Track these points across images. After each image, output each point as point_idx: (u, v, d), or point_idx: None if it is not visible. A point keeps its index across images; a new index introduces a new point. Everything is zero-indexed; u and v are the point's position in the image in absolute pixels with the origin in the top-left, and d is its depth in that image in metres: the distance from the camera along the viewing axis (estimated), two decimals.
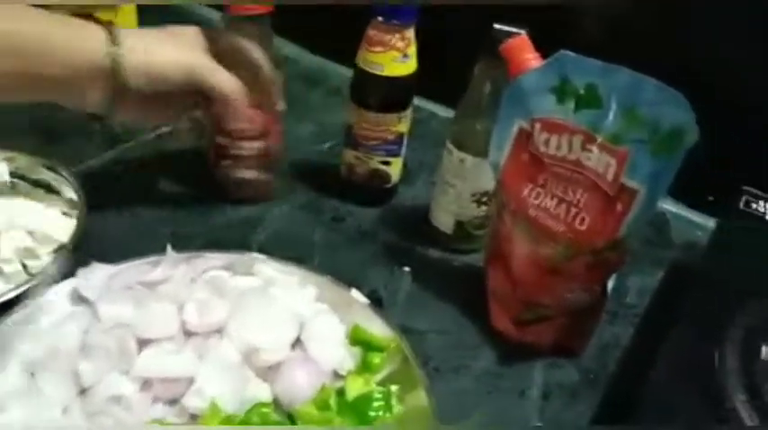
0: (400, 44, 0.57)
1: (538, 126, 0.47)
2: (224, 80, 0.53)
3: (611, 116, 0.43)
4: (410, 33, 0.57)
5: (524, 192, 0.49)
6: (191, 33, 0.54)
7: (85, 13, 0.68)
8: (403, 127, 0.62)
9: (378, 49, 0.57)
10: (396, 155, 0.64)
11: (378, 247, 0.62)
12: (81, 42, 0.48)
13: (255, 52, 0.55)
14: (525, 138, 0.48)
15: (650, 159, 0.43)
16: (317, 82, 0.86)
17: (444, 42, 0.76)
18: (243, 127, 0.56)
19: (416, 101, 0.82)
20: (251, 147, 0.60)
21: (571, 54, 0.44)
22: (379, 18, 0.56)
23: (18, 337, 0.44)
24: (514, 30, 0.50)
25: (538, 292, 0.50)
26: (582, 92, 0.45)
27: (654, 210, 0.45)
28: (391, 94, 0.60)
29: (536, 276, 0.49)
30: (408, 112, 0.62)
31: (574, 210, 0.47)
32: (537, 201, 0.48)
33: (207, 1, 0.76)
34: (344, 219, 0.65)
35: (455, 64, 0.68)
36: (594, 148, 0.44)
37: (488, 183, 0.56)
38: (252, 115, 0.56)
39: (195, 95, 0.54)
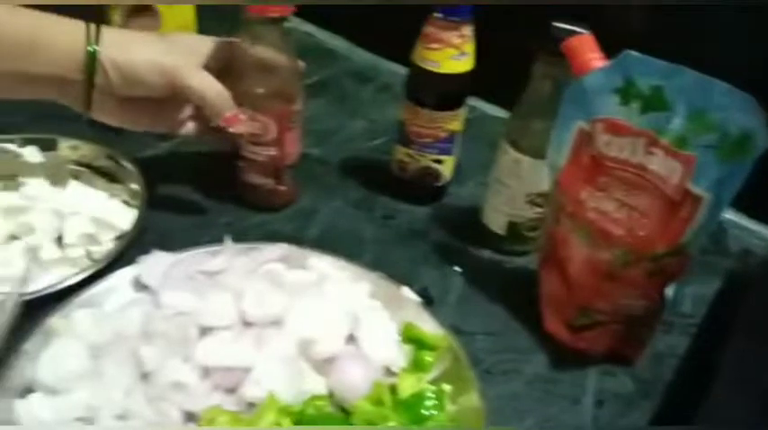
0: (457, 41, 0.57)
1: (600, 127, 0.46)
2: (203, 82, 0.52)
3: (677, 119, 0.42)
4: (468, 30, 0.57)
5: (583, 195, 0.48)
6: (190, 41, 0.54)
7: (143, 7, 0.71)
8: (457, 125, 0.62)
9: (435, 45, 0.57)
10: (448, 153, 0.64)
11: (429, 246, 0.62)
12: (62, 38, 0.49)
13: (272, 56, 0.55)
14: (586, 139, 0.48)
15: (718, 165, 0.42)
16: (368, 78, 0.87)
17: (497, 40, 0.76)
18: (224, 126, 0.55)
19: (469, 99, 0.83)
20: (261, 153, 0.58)
21: (637, 54, 0.44)
22: (438, 14, 0.56)
23: (83, 321, 0.46)
24: (576, 28, 0.50)
25: (593, 297, 0.50)
26: (647, 93, 0.44)
27: (718, 218, 0.44)
28: (447, 92, 0.60)
29: (592, 281, 0.49)
30: (463, 110, 0.62)
31: (635, 214, 0.46)
32: (596, 205, 0.47)
33: (222, 1, 0.76)
34: (395, 216, 0.65)
35: (508, 62, 0.68)
36: (659, 152, 0.44)
37: (544, 184, 0.56)
38: (266, 123, 0.56)
39: (177, 101, 0.54)
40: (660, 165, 0.44)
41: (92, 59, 0.49)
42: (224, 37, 0.57)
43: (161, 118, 0.56)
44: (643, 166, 0.45)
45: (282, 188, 0.62)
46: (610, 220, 0.47)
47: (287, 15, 0.54)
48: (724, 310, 0.58)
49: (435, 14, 0.56)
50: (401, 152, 0.64)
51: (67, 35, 0.49)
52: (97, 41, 0.49)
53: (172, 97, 0.53)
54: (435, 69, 0.58)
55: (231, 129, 0.54)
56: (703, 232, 0.44)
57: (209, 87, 0.52)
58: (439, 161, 0.64)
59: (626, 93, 0.44)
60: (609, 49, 0.46)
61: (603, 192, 0.47)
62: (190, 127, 0.58)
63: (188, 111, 0.58)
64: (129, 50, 0.50)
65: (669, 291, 0.49)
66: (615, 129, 0.45)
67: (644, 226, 0.46)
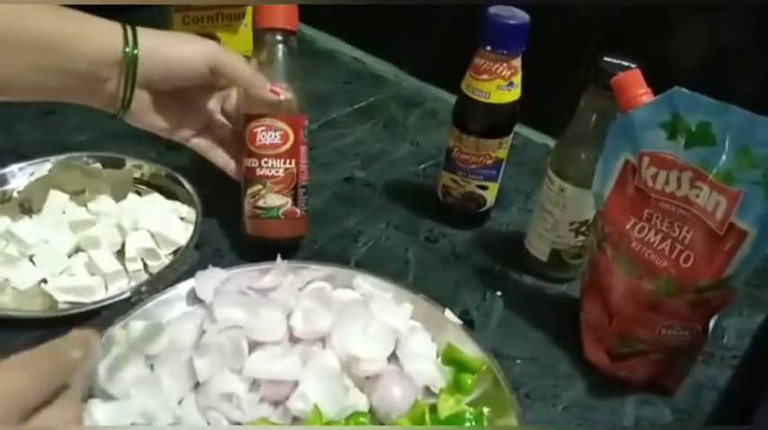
0: (506, 73, 0.58)
1: (646, 160, 0.47)
2: (244, 65, 0.55)
3: (724, 155, 0.43)
4: (517, 62, 0.58)
5: (628, 226, 0.49)
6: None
7: (206, 33, 0.74)
8: (503, 153, 0.63)
9: (484, 77, 0.58)
10: (493, 179, 0.65)
11: (471, 270, 0.63)
12: (99, 38, 0.50)
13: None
14: (631, 171, 0.49)
15: (763, 201, 0.42)
16: (415, 104, 0.89)
17: (543, 70, 0.77)
18: (270, 100, 0.56)
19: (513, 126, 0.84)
20: (280, 167, 0.57)
21: (685, 91, 0.44)
22: (488, 47, 0.57)
23: (140, 332, 0.48)
24: (625, 63, 0.51)
25: (635, 327, 0.50)
26: (693, 129, 0.44)
27: (764, 253, 0.44)
28: (494, 121, 0.61)
29: (635, 310, 0.49)
30: (509, 138, 0.63)
31: (679, 246, 0.46)
32: (641, 235, 0.48)
33: (235, 2, 0.78)
34: (438, 239, 0.66)
35: (553, 90, 0.69)
36: (704, 186, 0.44)
37: (588, 212, 0.56)
38: (285, 131, 0.57)
39: (212, 93, 0.57)
40: (705, 199, 0.44)
41: (132, 57, 0.50)
42: None
43: (187, 121, 0.58)
44: (688, 200, 0.45)
45: (297, 211, 0.58)
46: (654, 251, 0.47)
47: (295, 29, 0.58)
48: None
49: (485, 47, 0.57)
50: (446, 177, 0.66)
51: (104, 31, 0.50)
52: (135, 40, 0.50)
53: (204, 90, 0.57)
54: (484, 100, 0.59)
55: (279, 97, 0.56)
56: (748, 266, 0.44)
57: (246, 67, 0.55)
58: (483, 187, 0.65)
59: (673, 127, 0.45)
60: (656, 84, 0.47)
61: (648, 223, 0.48)
62: (201, 143, 0.60)
63: (203, 120, 0.59)
64: (171, 45, 0.53)
65: (711, 323, 0.49)
66: (661, 162, 0.46)
67: (688, 258, 0.46)
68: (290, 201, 0.58)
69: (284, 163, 0.57)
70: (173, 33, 0.56)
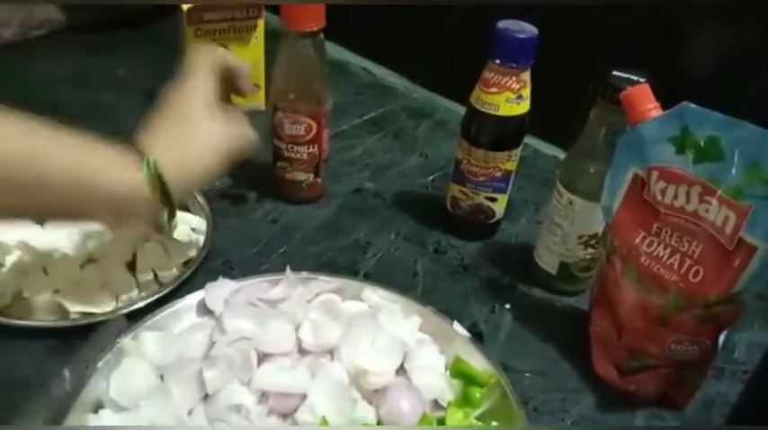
0: (515, 86, 0.58)
1: (655, 174, 0.47)
2: (247, 138, 0.53)
3: (733, 170, 0.43)
4: (526, 76, 0.59)
5: (637, 240, 0.49)
6: (200, 105, 0.51)
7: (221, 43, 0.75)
8: (511, 165, 0.64)
9: (493, 90, 0.58)
10: (502, 192, 0.65)
11: (479, 282, 0.63)
12: (118, 173, 0.45)
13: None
14: (640, 185, 0.49)
15: None
16: (424, 115, 0.89)
17: (553, 82, 0.77)
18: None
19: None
20: (302, 151, 0.66)
21: (694, 106, 0.44)
22: (497, 61, 0.57)
23: (150, 343, 0.49)
24: (634, 77, 0.51)
25: (644, 341, 0.50)
26: (702, 144, 0.44)
27: None
28: (503, 134, 0.61)
29: (644, 325, 0.49)
30: (518, 150, 0.63)
31: (688, 261, 0.46)
32: (650, 250, 0.48)
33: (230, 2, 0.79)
34: (447, 251, 0.67)
35: (563, 102, 0.69)
36: (714, 201, 0.44)
37: (597, 226, 0.56)
38: (309, 124, 0.64)
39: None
40: (715, 213, 0.44)
41: (157, 186, 0.46)
42: None
43: None
44: (697, 215, 0.45)
45: (319, 181, 0.69)
46: (663, 266, 0.47)
47: (321, 28, 0.61)
48: None
49: (494, 61, 0.57)
50: (455, 189, 0.66)
51: (120, 168, 0.45)
52: (152, 166, 0.46)
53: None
54: (493, 113, 0.59)
55: None
56: (757, 281, 0.44)
57: (249, 140, 0.54)
58: (492, 199, 0.65)
59: (682, 142, 0.45)
60: (664, 98, 0.48)
61: (657, 237, 0.48)
62: None
63: None
64: (188, 167, 0.49)
65: (721, 338, 0.49)
66: (670, 177, 0.46)
67: (697, 273, 0.46)
68: (311, 175, 0.68)
69: (308, 148, 0.66)
70: (181, 136, 0.49)
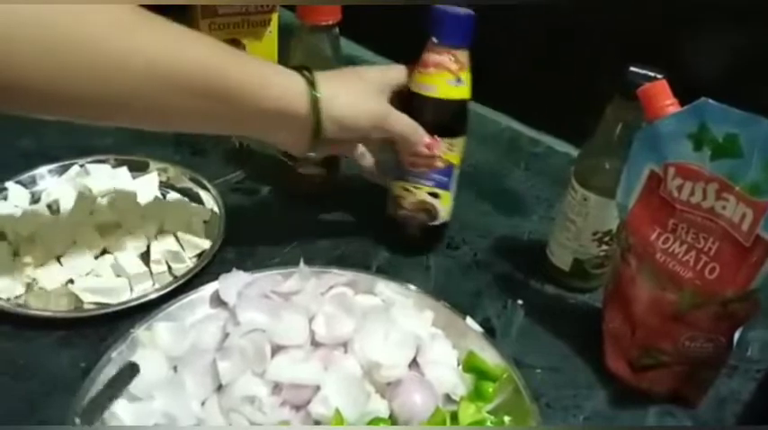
0: (453, 66, 0.55)
1: (672, 171, 0.47)
2: (406, 126, 0.56)
3: (751, 167, 0.43)
4: (464, 57, 0.56)
5: (652, 236, 0.48)
6: (377, 76, 0.57)
7: (231, 40, 0.75)
8: (454, 157, 0.60)
9: (431, 70, 0.56)
10: (445, 187, 0.61)
11: (492, 278, 0.63)
12: (283, 90, 0.51)
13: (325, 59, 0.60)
14: (656, 181, 0.48)
15: None
16: None
17: (566, 79, 0.77)
18: (419, 155, 0.58)
19: (535, 134, 0.84)
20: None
21: (712, 102, 0.44)
22: (434, 39, 0.55)
23: (164, 334, 0.49)
24: (651, 73, 0.51)
25: (658, 338, 0.50)
26: (721, 140, 0.44)
27: None
28: (442, 117, 0.58)
29: (658, 322, 0.49)
30: (460, 142, 0.60)
31: (704, 258, 0.46)
32: (665, 246, 0.48)
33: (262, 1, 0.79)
34: (459, 247, 0.66)
35: (575, 100, 0.69)
36: (731, 198, 0.44)
37: (611, 222, 0.56)
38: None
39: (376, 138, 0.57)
40: (732, 210, 0.44)
41: (316, 114, 0.52)
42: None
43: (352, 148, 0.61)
44: (714, 211, 0.45)
45: (331, 175, 0.69)
46: (678, 262, 0.47)
47: (336, 22, 0.61)
48: None
49: (432, 39, 0.55)
50: (397, 187, 0.62)
51: (287, 87, 0.51)
52: (318, 93, 0.52)
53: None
54: (431, 94, 0.56)
55: (433, 152, 0.58)
56: None
57: (410, 127, 0.56)
58: (435, 195, 0.61)
59: (699, 138, 0.45)
60: (681, 95, 0.47)
61: (673, 234, 0.48)
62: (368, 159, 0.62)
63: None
64: (346, 104, 0.53)
65: (736, 335, 0.49)
66: (687, 173, 0.46)
67: (713, 270, 0.46)
68: (324, 170, 0.68)
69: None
70: (347, 83, 0.55)
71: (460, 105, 0.58)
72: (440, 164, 0.59)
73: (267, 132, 0.54)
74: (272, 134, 0.54)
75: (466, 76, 0.57)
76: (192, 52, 0.46)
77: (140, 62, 0.44)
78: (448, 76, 0.56)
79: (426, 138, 0.57)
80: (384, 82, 0.56)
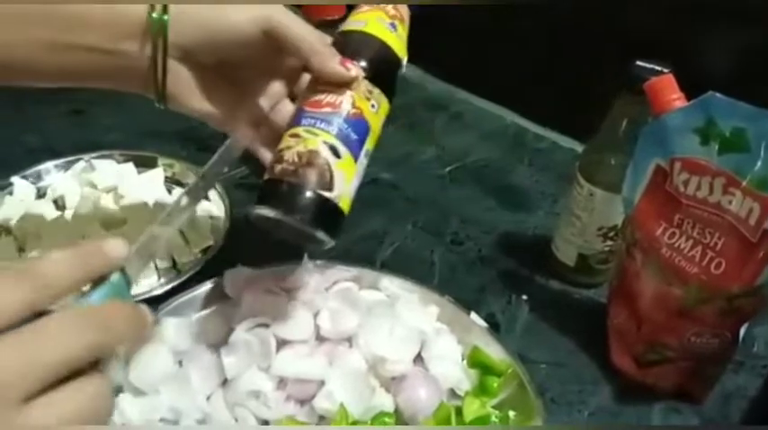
0: (391, 12, 0.48)
1: (678, 165, 0.47)
2: (305, 29, 0.44)
3: (759, 161, 0.42)
4: (405, 11, 0.49)
5: (658, 231, 0.48)
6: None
7: None
8: (369, 111, 0.44)
9: (364, 8, 0.48)
10: (351, 147, 0.43)
11: (496, 273, 0.63)
12: (120, 7, 0.42)
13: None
14: (662, 176, 0.48)
15: None
16: (440, 107, 0.88)
17: (571, 74, 0.77)
18: (325, 75, 0.44)
19: (540, 130, 0.84)
20: None
21: (720, 96, 0.44)
22: None
23: (170, 329, 0.49)
24: (657, 67, 0.50)
25: (664, 333, 0.50)
26: (728, 135, 0.44)
27: None
28: (366, 53, 0.45)
29: (663, 317, 0.49)
30: (382, 101, 0.46)
31: (710, 253, 0.46)
32: (671, 241, 0.48)
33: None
34: (464, 242, 0.66)
35: (580, 95, 0.69)
36: (738, 193, 0.44)
37: (616, 217, 0.56)
38: None
39: (275, 76, 0.46)
40: (738, 205, 0.44)
41: (158, 23, 0.42)
42: None
43: (241, 109, 0.48)
44: (720, 206, 0.45)
45: None
46: (684, 258, 0.47)
47: (342, 17, 0.57)
48: None
49: None
50: (284, 138, 0.43)
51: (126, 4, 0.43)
52: (164, 5, 0.42)
53: (264, 71, 0.47)
54: (359, 28, 0.46)
55: (350, 73, 0.44)
56: None
57: (312, 33, 0.45)
58: (335, 151, 0.42)
59: (706, 133, 0.45)
60: (688, 89, 0.47)
61: (679, 229, 0.47)
62: (255, 139, 0.49)
63: (260, 111, 0.48)
64: (204, 8, 0.43)
65: (741, 331, 0.49)
66: (694, 167, 0.46)
67: (719, 265, 0.45)
68: None
69: None
70: None
71: (391, 54, 0.46)
72: (350, 108, 0.43)
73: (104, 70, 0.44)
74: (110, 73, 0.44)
75: (402, 30, 0.48)
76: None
77: None
78: (382, 16, 0.47)
79: (339, 57, 0.44)
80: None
